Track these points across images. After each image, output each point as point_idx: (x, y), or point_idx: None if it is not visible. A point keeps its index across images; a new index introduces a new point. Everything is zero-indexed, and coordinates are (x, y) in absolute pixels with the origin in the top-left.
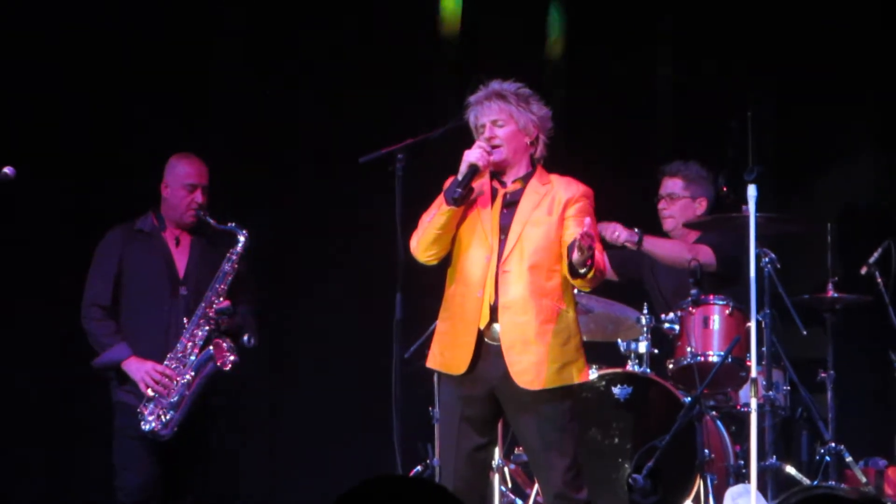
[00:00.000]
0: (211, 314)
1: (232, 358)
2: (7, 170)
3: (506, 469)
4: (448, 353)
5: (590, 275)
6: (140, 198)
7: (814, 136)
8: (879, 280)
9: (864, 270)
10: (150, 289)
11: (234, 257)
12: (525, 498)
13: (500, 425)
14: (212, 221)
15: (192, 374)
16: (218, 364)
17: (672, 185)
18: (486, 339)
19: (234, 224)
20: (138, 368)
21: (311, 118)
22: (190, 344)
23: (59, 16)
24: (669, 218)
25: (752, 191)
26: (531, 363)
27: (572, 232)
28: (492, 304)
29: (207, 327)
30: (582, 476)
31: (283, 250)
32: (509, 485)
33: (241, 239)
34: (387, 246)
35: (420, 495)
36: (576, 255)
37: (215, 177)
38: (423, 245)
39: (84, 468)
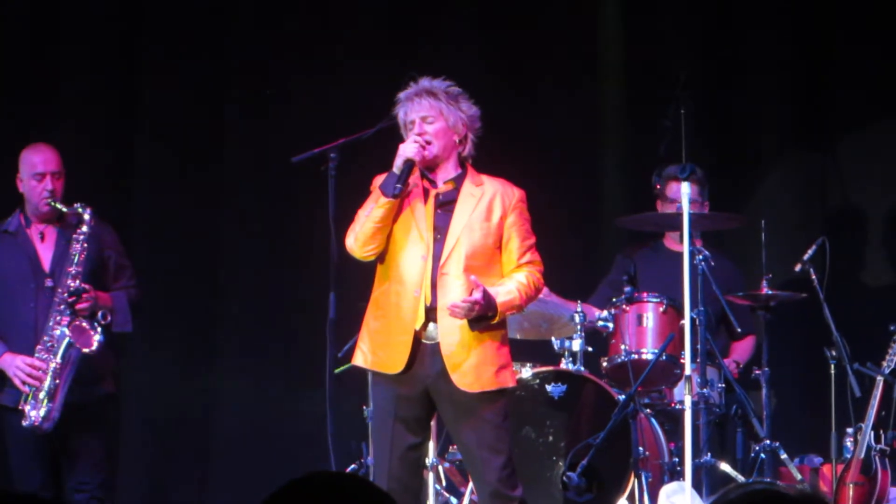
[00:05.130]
0: (66, 297)
1: (97, 338)
2: None
3: (440, 468)
4: (382, 352)
5: (496, 319)
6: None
7: (747, 132)
8: (814, 277)
9: (798, 267)
10: (16, 287)
11: (81, 237)
12: (459, 496)
13: (433, 424)
14: (61, 206)
15: (60, 361)
16: (79, 347)
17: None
18: (422, 340)
19: (78, 204)
20: (10, 364)
21: (243, 117)
22: (56, 332)
23: None
24: None
25: (685, 188)
26: (471, 366)
27: (513, 248)
28: (428, 305)
29: (69, 311)
30: (517, 474)
31: (217, 250)
32: (444, 483)
33: (87, 217)
34: (320, 245)
35: (349, 491)
36: (461, 316)
37: (149, 176)
38: (361, 240)
39: None
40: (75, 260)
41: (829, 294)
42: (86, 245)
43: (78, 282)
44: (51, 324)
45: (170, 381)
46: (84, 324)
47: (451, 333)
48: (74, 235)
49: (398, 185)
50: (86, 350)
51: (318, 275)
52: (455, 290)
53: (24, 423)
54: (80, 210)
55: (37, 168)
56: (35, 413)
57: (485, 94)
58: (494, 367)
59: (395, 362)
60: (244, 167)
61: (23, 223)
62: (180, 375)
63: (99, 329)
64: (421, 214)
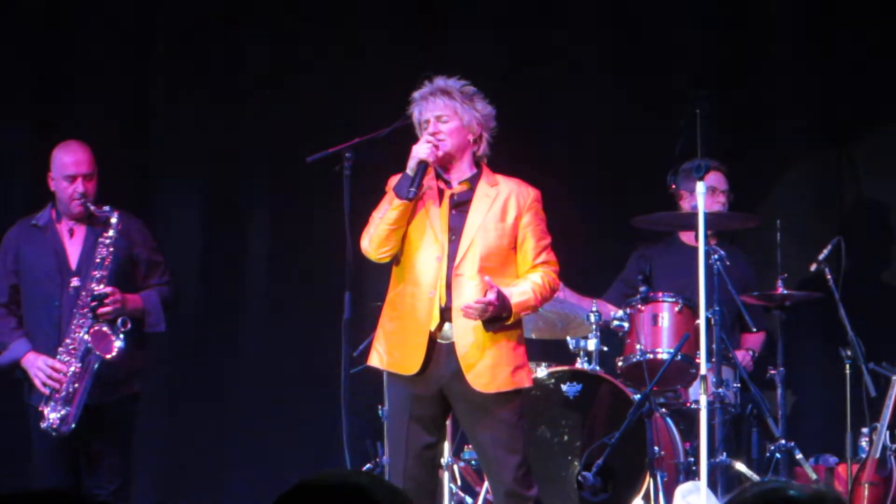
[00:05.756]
0: (89, 301)
1: (118, 344)
2: None
3: (455, 467)
4: (397, 352)
5: (510, 320)
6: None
7: (762, 132)
8: (829, 277)
9: (813, 267)
10: (42, 283)
11: (107, 241)
12: (475, 496)
13: (449, 423)
14: (92, 207)
15: (80, 364)
16: (98, 353)
17: (715, 179)
18: (437, 339)
19: (107, 207)
20: (32, 364)
21: (259, 116)
22: (78, 335)
23: None
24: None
25: (700, 188)
26: (486, 366)
27: (528, 249)
28: (443, 305)
29: (91, 315)
30: (532, 473)
31: (233, 249)
32: (459, 483)
33: (114, 221)
34: (335, 245)
35: (362, 489)
36: (475, 317)
37: (164, 173)
38: (376, 242)
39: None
40: (100, 263)
41: (845, 294)
42: (111, 249)
43: (102, 286)
44: (74, 326)
45: (183, 381)
46: (105, 329)
47: (466, 334)
48: (101, 239)
49: (412, 189)
50: (106, 356)
51: (334, 274)
52: (470, 291)
53: (43, 424)
54: (108, 213)
55: (68, 170)
56: (54, 416)
57: (500, 91)
58: (510, 368)
59: (410, 363)
60: (259, 166)
61: (53, 218)
62: (195, 374)
63: (120, 335)
64: (436, 215)
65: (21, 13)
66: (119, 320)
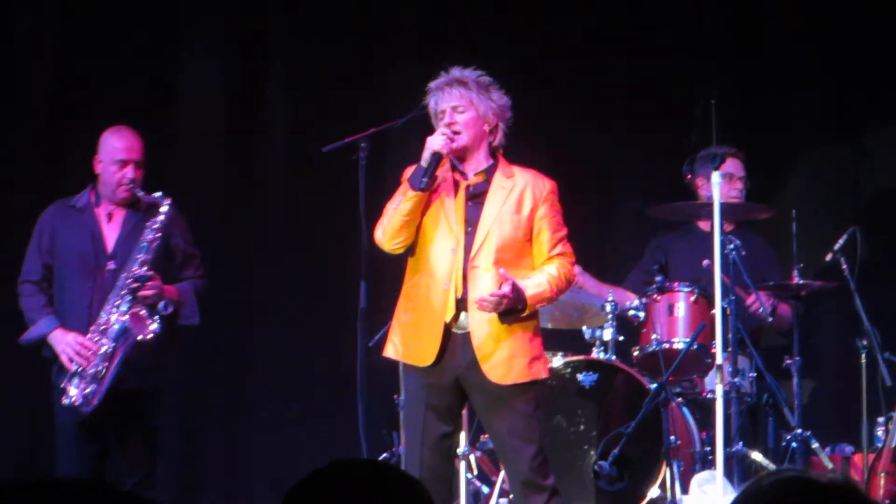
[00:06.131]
0: (130, 283)
1: (153, 327)
2: None
3: (472, 456)
4: (412, 343)
5: (525, 312)
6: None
7: (778, 122)
8: (844, 266)
9: (828, 257)
10: (75, 265)
11: (156, 226)
12: (491, 485)
13: (465, 413)
14: (141, 194)
15: (113, 345)
16: (136, 334)
17: (733, 165)
18: (452, 329)
19: (159, 193)
20: (60, 340)
21: (276, 106)
22: (113, 316)
23: None
24: (736, 198)
25: (716, 178)
26: (503, 358)
27: (544, 240)
28: (458, 297)
29: (129, 297)
30: (549, 463)
31: (248, 239)
32: (475, 472)
33: (164, 207)
34: (351, 235)
35: (376, 477)
36: (490, 309)
37: (180, 161)
38: (389, 233)
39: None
40: (146, 248)
41: (860, 283)
42: (159, 234)
43: (145, 269)
44: (108, 307)
45: (201, 372)
46: (142, 312)
47: (482, 325)
48: (149, 223)
49: (424, 179)
50: (140, 337)
51: (349, 264)
52: (485, 283)
53: (64, 401)
54: (159, 199)
55: (120, 154)
56: (76, 392)
57: (516, 83)
58: (526, 359)
59: (425, 355)
60: (275, 156)
61: (92, 201)
62: (212, 365)
63: (157, 319)
64: (451, 207)
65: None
66: (161, 304)
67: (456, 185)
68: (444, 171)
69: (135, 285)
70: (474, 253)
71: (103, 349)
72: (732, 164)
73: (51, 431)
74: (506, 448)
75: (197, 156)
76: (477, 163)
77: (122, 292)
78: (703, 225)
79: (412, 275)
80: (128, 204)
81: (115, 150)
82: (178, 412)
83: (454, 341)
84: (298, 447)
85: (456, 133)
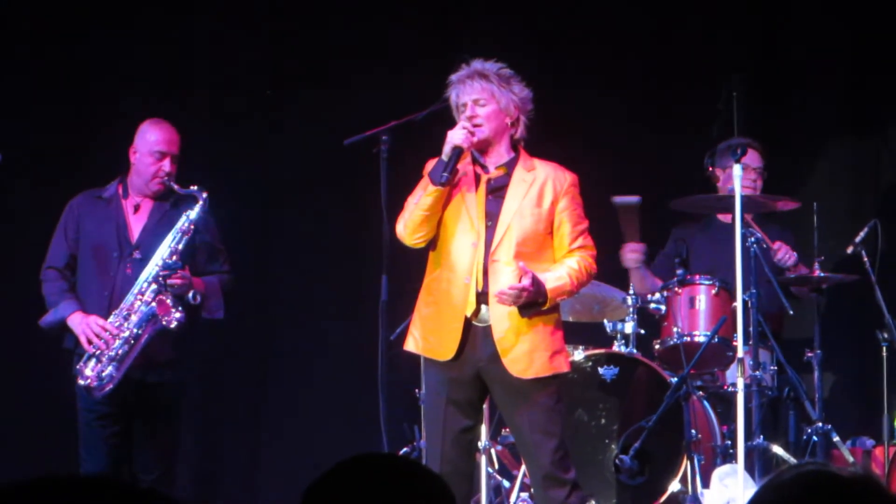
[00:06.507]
0: (159, 271)
1: (178, 315)
2: None
3: (493, 450)
4: (433, 337)
5: (546, 305)
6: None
7: (800, 115)
8: (866, 259)
9: (850, 250)
10: (99, 254)
11: (192, 217)
12: (512, 479)
13: (486, 407)
14: (176, 187)
15: (136, 330)
16: (162, 320)
17: (749, 157)
18: (473, 322)
19: (195, 187)
20: (80, 322)
21: (295, 100)
22: (138, 302)
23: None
24: (749, 188)
25: (737, 170)
26: (523, 351)
27: (565, 233)
28: (479, 290)
29: (155, 285)
30: (570, 457)
31: (269, 233)
32: (496, 466)
33: (201, 201)
34: (372, 228)
35: (399, 473)
36: (510, 303)
37: (202, 155)
38: (410, 227)
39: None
40: (178, 238)
41: (882, 276)
42: (192, 227)
43: (175, 258)
44: (133, 294)
45: (220, 366)
46: (169, 300)
47: (502, 319)
48: (184, 214)
49: (445, 174)
50: (164, 323)
51: (371, 257)
52: (506, 277)
53: (80, 381)
54: (196, 192)
55: (159, 146)
56: (92, 374)
57: (537, 75)
58: (548, 353)
59: (445, 349)
60: (296, 149)
61: (119, 193)
62: (232, 359)
63: (181, 308)
64: (472, 201)
65: None
66: (190, 294)
67: (477, 178)
68: (465, 165)
69: (164, 273)
70: (495, 247)
71: (125, 333)
72: (750, 156)
73: (75, 426)
74: (526, 442)
75: (217, 150)
76: (498, 156)
77: (150, 279)
78: (723, 217)
79: (433, 269)
80: (157, 196)
81: (155, 141)
82: (198, 406)
83: (475, 335)
84: (319, 441)
85: (477, 126)
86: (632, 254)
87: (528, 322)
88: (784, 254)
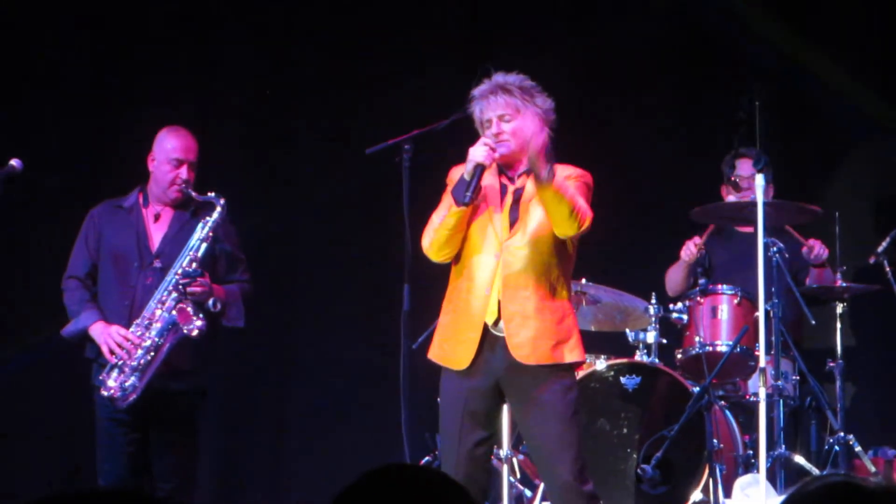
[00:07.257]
0: (179, 279)
1: (199, 323)
2: (14, 162)
3: (514, 460)
4: (448, 346)
5: (545, 183)
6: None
7: (822, 124)
8: (888, 269)
9: (872, 260)
10: (119, 263)
11: (210, 225)
12: (534, 489)
13: (507, 415)
14: (194, 194)
15: (157, 339)
16: (183, 328)
17: (744, 167)
18: (492, 331)
19: (213, 194)
20: (102, 332)
21: (317, 108)
22: (159, 311)
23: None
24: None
25: (759, 180)
26: (528, 338)
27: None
28: (500, 298)
29: (175, 293)
30: (591, 466)
31: (292, 241)
32: (518, 475)
33: (219, 208)
34: (394, 236)
35: (428, 484)
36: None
37: (224, 163)
38: (436, 246)
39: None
40: (197, 246)
41: None
42: (211, 235)
43: (194, 266)
44: (154, 302)
45: (244, 374)
46: (189, 308)
47: (512, 303)
48: (202, 222)
49: (468, 193)
50: (185, 332)
51: (393, 266)
52: (518, 262)
53: (103, 392)
54: (214, 199)
55: (176, 154)
56: (115, 384)
57: (559, 83)
58: (552, 342)
59: (460, 358)
60: (318, 158)
61: (140, 202)
62: (254, 367)
63: (202, 316)
64: (497, 216)
65: None
66: (210, 301)
67: (503, 189)
68: (491, 176)
69: (184, 281)
70: (509, 235)
71: (147, 343)
72: (742, 166)
73: (92, 435)
74: (543, 453)
75: (239, 158)
76: (524, 166)
77: (170, 288)
78: (740, 226)
79: (455, 278)
80: (177, 204)
81: (172, 149)
82: (221, 414)
83: (493, 342)
84: (341, 449)
85: (504, 142)
86: (694, 247)
87: (536, 309)
88: (820, 248)
